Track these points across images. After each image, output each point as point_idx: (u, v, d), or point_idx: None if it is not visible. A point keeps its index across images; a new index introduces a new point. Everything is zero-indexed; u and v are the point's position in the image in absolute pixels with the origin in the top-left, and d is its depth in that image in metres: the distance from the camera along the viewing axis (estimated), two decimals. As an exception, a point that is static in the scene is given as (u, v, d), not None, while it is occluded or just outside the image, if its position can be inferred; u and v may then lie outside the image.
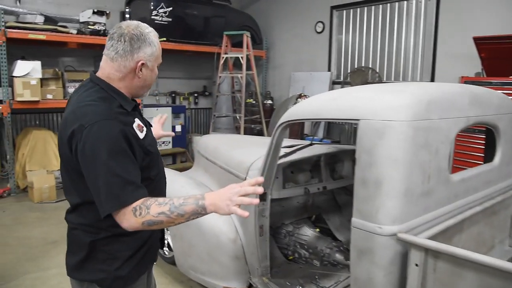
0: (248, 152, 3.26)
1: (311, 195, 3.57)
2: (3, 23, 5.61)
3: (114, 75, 1.60)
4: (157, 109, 7.55)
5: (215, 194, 1.47)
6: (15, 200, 5.76)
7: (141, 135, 1.59)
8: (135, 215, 1.43)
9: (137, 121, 1.60)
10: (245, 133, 7.03)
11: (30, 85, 5.69)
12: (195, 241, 3.15)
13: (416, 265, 1.81)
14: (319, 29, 7.82)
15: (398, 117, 1.87)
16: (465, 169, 2.46)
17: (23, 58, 5.92)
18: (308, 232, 3.50)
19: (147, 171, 1.62)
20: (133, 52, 1.56)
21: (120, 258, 1.64)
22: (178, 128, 7.90)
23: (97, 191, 1.45)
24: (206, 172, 3.76)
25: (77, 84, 6.34)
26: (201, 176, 3.77)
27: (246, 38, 6.95)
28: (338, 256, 3.24)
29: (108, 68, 1.60)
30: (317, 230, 3.58)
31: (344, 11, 7.47)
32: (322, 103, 2.25)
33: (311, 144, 3.42)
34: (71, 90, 6.30)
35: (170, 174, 3.76)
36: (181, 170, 7.03)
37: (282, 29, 8.52)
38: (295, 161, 3.04)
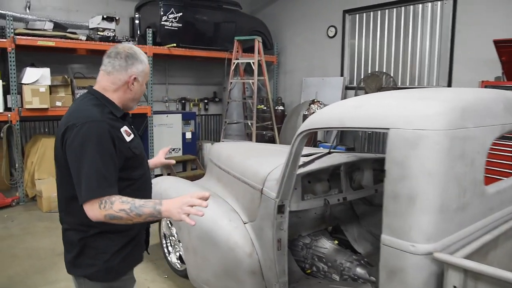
0: (264, 162, 3.12)
1: (329, 206, 3.42)
2: (12, 30, 5.55)
3: (109, 87, 1.85)
4: (167, 116, 7.47)
5: (171, 201, 1.67)
6: (23, 209, 5.67)
7: (128, 139, 1.82)
8: (100, 208, 1.63)
9: (125, 127, 1.83)
10: (256, 140, 6.89)
11: (39, 93, 5.62)
12: (210, 255, 3.01)
13: (454, 287, 1.66)
14: (331, 34, 7.68)
15: (432, 126, 1.72)
16: (498, 179, 2.30)
17: (32, 65, 5.86)
18: (326, 245, 3.34)
19: (129, 171, 1.83)
20: (127, 67, 1.84)
21: (108, 252, 1.83)
22: (188, 135, 7.80)
23: (79, 180, 1.65)
24: (219, 182, 3.62)
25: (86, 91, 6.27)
26: (214, 186, 3.64)
27: (258, 43, 6.83)
28: (359, 271, 3.07)
29: (104, 81, 1.86)
30: (336, 242, 3.43)
31: (357, 15, 7.32)
32: (346, 110, 2.10)
33: (329, 153, 3.27)
34: (80, 97, 6.22)
35: (182, 184, 3.67)
36: (191, 177, 6.94)
37: (294, 34, 8.39)
38: (314, 171, 2.89)
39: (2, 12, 5.95)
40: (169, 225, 3.80)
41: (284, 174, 2.52)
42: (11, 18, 5.61)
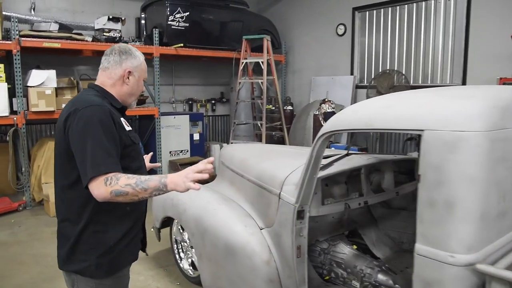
0: (280, 165, 2.99)
1: (347, 209, 3.30)
2: (17, 32, 5.46)
3: (106, 82, 1.93)
4: (174, 117, 7.36)
5: (175, 174, 1.68)
6: (30, 214, 5.57)
7: (127, 128, 1.89)
8: (106, 184, 1.61)
9: (123, 119, 1.90)
10: (265, 141, 6.76)
11: (45, 95, 5.52)
12: (225, 262, 2.89)
13: (498, 301, 1.53)
14: (340, 32, 7.54)
15: (473, 127, 1.59)
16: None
17: (37, 67, 5.76)
18: (345, 250, 3.20)
19: (128, 160, 1.84)
20: (121, 62, 1.91)
21: (100, 248, 1.81)
22: (196, 136, 7.69)
23: (84, 159, 1.65)
24: (232, 186, 3.50)
25: (93, 93, 6.18)
26: (227, 189, 3.51)
27: (267, 42, 6.70)
28: (381, 277, 2.93)
29: (102, 77, 1.94)
30: (354, 247, 3.30)
31: (367, 12, 7.18)
32: (375, 111, 1.97)
33: (347, 154, 3.14)
34: (87, 99, 6.13)
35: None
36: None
37: (302, 32, 8.25)
38: (334, 174, 2.76)
39: (7, 13, 5.86)
40: (181, 231, 3.68)
41: (304, 178, 2.39)
42: (16, 20, 5.51)
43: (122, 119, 1.88)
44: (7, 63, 5.92)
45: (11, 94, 5.55)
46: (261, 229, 2.88)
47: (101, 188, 1.61)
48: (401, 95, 2.09)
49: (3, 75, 5.34)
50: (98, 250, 1.80)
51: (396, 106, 1.90)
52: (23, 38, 5.48)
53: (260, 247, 2.76)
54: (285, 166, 2.91)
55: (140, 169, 1.94)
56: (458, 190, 1.59)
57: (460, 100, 1.75)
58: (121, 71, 1.91)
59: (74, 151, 1.70)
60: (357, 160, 3.00)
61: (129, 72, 1.92)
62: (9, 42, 5.45)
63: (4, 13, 5.78)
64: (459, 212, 1.60)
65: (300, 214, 2.52)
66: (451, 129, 1.61)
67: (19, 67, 5.49)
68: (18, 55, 5.47)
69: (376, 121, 1.91)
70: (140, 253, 2.14)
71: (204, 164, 1.65)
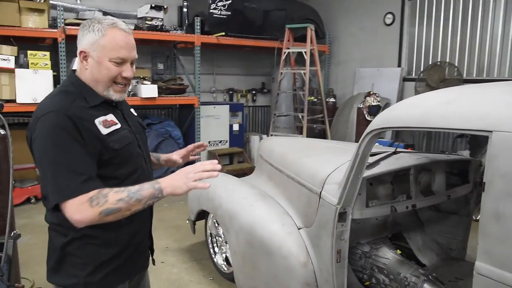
0: (322, 161, 2.81)
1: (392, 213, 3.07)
2: (62, 20, 5.53)
3: (78, 68, 1.59)
4: (214, 107, 7.28)
5: (170, 176, 1.46)
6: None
7: (105, 131, 1.52)
8: (92, 206, 1.38)
9: (105, 117, 1.55)
10: (306, 134, 6.55)
11: (87, 82, 5.57)
12: (259, 262, 2.76)
13: None
14: (388, 21, 7.17)
15: (553, 129, 1.35)
16: None
17: (81, 55, 5.81)
18: (388, 255, 2.99)
19: (112, 168, 1.55)
20: (79, 40, 1.54)
21: (91, 264, 1.57)
22: (236, 127, 7.58)
23: (45, 182, 1.43)
24: (270, 181, 3.35)
25: (134, 81, 6.19)
26: (264, 184, 3.37)
27: (310, 31, 6.46)
28: (427, 287, 2.71)
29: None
30: (399, 252, 3.08)
31: (418, 1, 6.77)
32: (431, 107, 1.75)
33: (395, 153, 2.91)
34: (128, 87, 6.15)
35: (231, 183, 3.42)
36: (238, 171, 6.76)
37: (347, 22, 7.93)
38: (381, 174, 2.55)
39: (54, 2, 5.94)
40: (216, 225, 3.58)
41: (348, 178, 2.21)
42: (62, 9, 5.58)
43: (99, 119, 1.53)
44: (53, 50, 6.01)
45: (56, 81, 5.64)
46: (299, 229, 2.72)
47: (86, 212, 1.37)
48: (464, 89, 1.85)
49: (49, 62, 5.43)
50: (89, 266, 1.57)
51: (457, 102, 1.67)
52: (68, 27, 5.53)
53: (297, 248, 2.60)
54: (327, 163, 2.73)
55: (132, 176, 1.62)
56: (532, 203, 1.37)
57: (537, 97, 1.51)
58: (78, 53, 1.55)
59: (38, 171, 1.47)
60: (406, 159, 2.76)
61: (82, 52, 1.53)
62: (55, 30, 5.53)
63: (51, 2, 5.87)
64: (532, 228, 1.37)
65: (342, 216, 2.34)
66: (526, 131, 1.38)
67: (64, 55, 5.57)
68: (63, 43, 5.55)
69: (433, 118, 1.69)
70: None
71: (211, 165, 1.45)
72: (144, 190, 1.43)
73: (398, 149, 2.97)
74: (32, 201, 5.41)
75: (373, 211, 2.51)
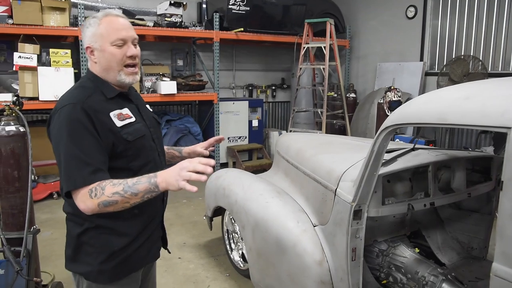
0: (338, 158, 2.77)
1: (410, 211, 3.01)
2: (83, 19, 5.60)
3: (89, 65, 1.69)
4: (233, 103, 7.29)
5: (167, 171, 1.47)
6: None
7: (119, 123, 1.60)
8: (91, 197, 1.45)
9: (120, 110, 1.63)
10: (326, 129, 6.49)
11: (108, 79, 5.64)
12: (275, 260, 2.74)
13: None
14: (410, 14, 7.01)
15: None
16: None
17: (102, 53, 5.89)
18: (406, 253, 2.93)
19: (125, 160, 1.62)
20: (83, 40, 1.65)
21: (105, 252, 1.64)
22: (255, 123, 7.58)
23: (60, 170, 1.51)
24: (287, 177, 3.33)
25: (154, 78, 6.24)
26: (281, 181, 3.35)
27: (330, 26, 6.38)
28: (446, 287, 2.65)
29: None
30: (417, 250, 3.01)
31: (442, -7, 6.60)
32: (450, 103, 1.69)
33: (413, 149, 2.84)
34: (148, 84, 6.21)
35: (247, 179, 3.41)
36: (257, 167, 6.75)
37: (368, 15, 7.79)
38: (399, 171, 2.50)
39: (75, 1, 6.03)
40: (232, 221, 3.58)
41: (364, 175, 2.16)
42: (83, 7, 5.66)
43: (114, 112, 1.61)
44: (75, 48, 6.12)
45: (78, 78, 5.72)
46: (314, 226, 2.69)
47: (87, 201, 1.46)
48: (482, 84, 1.78)
49: (70, 60, 5.52)
50: (102, 255, 1.64)
51: (476, 97, 1.61)
52: (88, 24, 5.61)
53: (312, 246, 2.58)
54: (343, 159, 2.69)
55: (144, 168, 1.67)
56: (553, 203, 1.31)
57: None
58: (86, 50, 1.65)
59: (56, 160, 1.56)
60: (424, 156, 2.70)
61: (88, 48, 1.63)
62: (76, 28, 5.60)
63: (72, 0, 5.95)
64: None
65: (357, 214, 2.30)
66: (546, 128, 1.32)
67: (85, 53, 5.63)
68: (84, 40, 5.62)
69: (451, 114, 1.63)
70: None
71: (203, 166, 1.40)
72: (140, 184, 1.46)
73: (417, 146, 2.90)
74: (55, 196, 5.54)
75: (389, 209, 2.46)
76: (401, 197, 2.70)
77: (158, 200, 1.79)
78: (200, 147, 2.11)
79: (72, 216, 1.67)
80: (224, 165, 7.12)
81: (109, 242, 1.65)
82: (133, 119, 1.66)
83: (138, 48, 1.69)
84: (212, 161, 1.43)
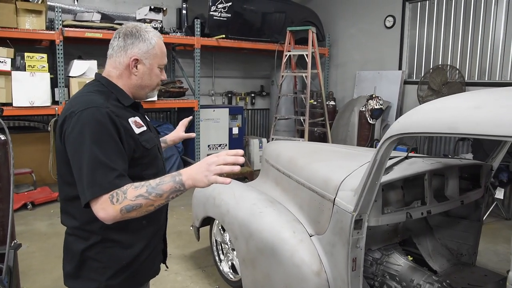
0: (334, 166, 2.74)
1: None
2: (60, 22, 5.43)
3: (112, 73, 1.62)
4: (214, 110, 7.20)
5: (191, 167, 1.41)
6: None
7: (137, 130, 1.57)
8: (112, 202, 1.36)
9: (135, 118, 1.59)
10: (308, 137, 6.49)
11: (86, 85, 5.47)
12: (271, 271, 2.68)
13: None
14: (389, 24, 7.14)
15: None
16: None
17: (79, 58, 5.73)
18: (399, 261, 2.93)
19: (140, 168, 1.57)
20: (126, 48, 1.58)
21: (112, 267, 1.57)
22: (235, 130, 7.51)
23: (81, 176, 1.40)
24: (278, 186, 3.28)
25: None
26: (272, 190, 3.30)
27: (312, 34, 6.41)
28: (441, 294, 2.65)
29: (108, 66, 1.64)
30: (410, 258, 3.02)
31: (419, 3, 6.74)
32: (460, 112, 1.68)
33: (406, 158, 2.85)
34: (127, 90, 6.06)
35: (238, 189, 3.33)
36: (238, 175, 6.66)
37: (347, 24, 7.89)
38: (396, 180, 2.49)
39: (52, 4, 5.85)
40: (221, 231, 3.50)
41: (366, 184, 2.14)
42: (60, 10, 5.48)
43: (131, 119, 1.58)
44: (50, 53, 5.91)
45: (53, 84, 5.54)
46: (310, 236, 2.65)
47: (108, 208, 1.35)
48: (491, 94, 1.78)
49: (46, 65, 5.32)
50: (109, 270, 1.57)
51: (487, 107, 1.60)
52: (66, 28, 5.44)
53: (309, 256, 2.53)
54: (339, 168, 2.66)
55: (155, 176, 1.57)
56: None
57: None
58: (127, 60, 1.59)
59: (72, 165, 1.45)
60: (420, 164, 2.70)
61: (136, 60, 1.59)
62: (53, 32, 5.43)
63: (48, 3, 5.76)
64: None
65: (357, 223, 2.27)
66: None
67: (61, 57, 5.46)
68: (61, 45, 5.44)
69: (462, 124, 1.62)
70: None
71: (233, 158, 1.35)
72: (164, 183, 1.38)
73: (410, 155, 2.91)
74: (29, 207, 5.28)
75: (389, 218, 2.44)
76: (394, 205, 2.69)
77: (163, 211, 1.77)
78: (181, 131, 2.22)
79: (75, 230, 1.57)
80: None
81: (117, 256, 1.58)
82: (145, 128, 1.63)
83: None
84: (240, 151, 1.38)
